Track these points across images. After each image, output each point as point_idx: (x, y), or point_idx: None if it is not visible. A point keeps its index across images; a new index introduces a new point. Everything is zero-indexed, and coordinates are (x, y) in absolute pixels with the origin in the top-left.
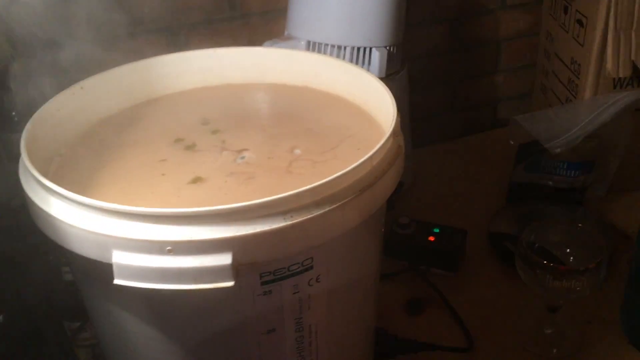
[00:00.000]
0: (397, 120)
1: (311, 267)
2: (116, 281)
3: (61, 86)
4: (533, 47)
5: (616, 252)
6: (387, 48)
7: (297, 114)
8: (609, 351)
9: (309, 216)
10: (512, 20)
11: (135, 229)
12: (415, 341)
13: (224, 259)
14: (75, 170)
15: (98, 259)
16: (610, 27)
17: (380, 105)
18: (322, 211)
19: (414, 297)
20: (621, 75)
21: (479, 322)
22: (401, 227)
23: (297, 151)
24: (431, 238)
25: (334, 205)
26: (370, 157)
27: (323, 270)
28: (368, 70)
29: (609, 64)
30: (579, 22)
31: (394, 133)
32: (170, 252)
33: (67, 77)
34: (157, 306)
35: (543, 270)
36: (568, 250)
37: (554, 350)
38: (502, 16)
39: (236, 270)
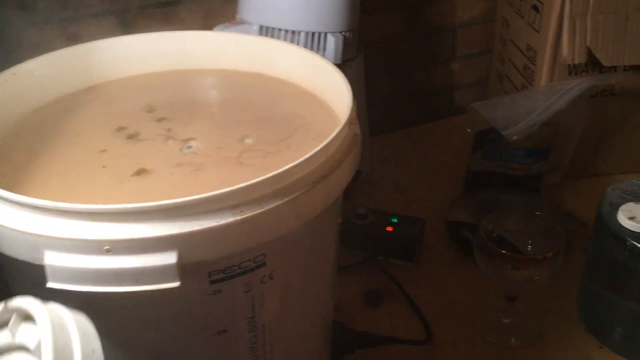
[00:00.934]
0: (353, 108)
1: (264, 264)
2: (50, 284)
3: None
4: (489, 33)
5: (573, 239)
6: (343, 34)
7: (249, 102)
8: (566, 339)
9: (260, 210)
10: (468, 6)
11: (69, 227)
12: (374, 334)
13: (169, 257)
14: (6, 163)
15: (29, 260)
16: (565, 13)
17: (336, 93)
18: (274, 205)
19: (372, 288)
20: (576, 61)
21: (438, 313)
22: (359, 217)
23: (249, 141)
24: (389, 228)
25: (287, 198)
26: (325, 147)
27: (276, 266)
28: (323, 56)
29: (565, 50)
30: (535, 7)
31: (349, 121)
32: (109, 252)
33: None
34: (97, 310)
35: (501, 260)
36: (526, 239)
37: (512, 340)
38: (458, 2)
39: (182, 269)
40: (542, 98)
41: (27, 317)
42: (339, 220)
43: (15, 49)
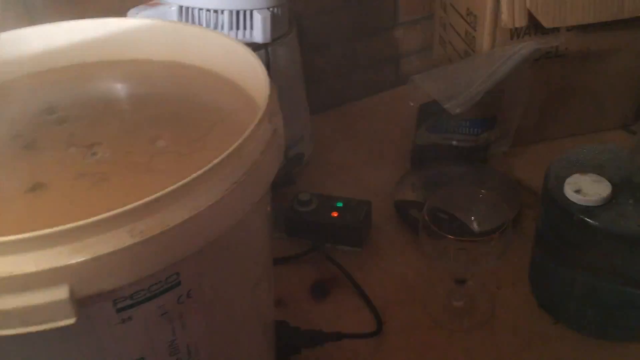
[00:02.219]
0: (272, 98)
1: (178, 283)
2: None
3: None
4: None
5: (523, 209)
6: (271, 10)
7: (163, 96)
8: (520, 317)
9: (162, 229)
10: None
11: None
12: (321, 332)
13: (59, 293)
14: None
15: None
16: None
17: (254, 80)
18: (180, 220)
19: (319, 279)
20: (517, 25)
21: (388, 300)
22: (302, 204)
23: (161, 142)
24: (334, 213)
25: (195, 212)
26: (238, 148)
27: (194, 284)
28: (251, 36)
29: (504, 14)
30: None
31: (268, 114)
32: None
33: None
34: None
35: (447, 243)
36: (473, 217)
37: (465, 322)
38: None
39: (78, 303)
40: (484, 66)
41: None
42: (269, 209)
43: None
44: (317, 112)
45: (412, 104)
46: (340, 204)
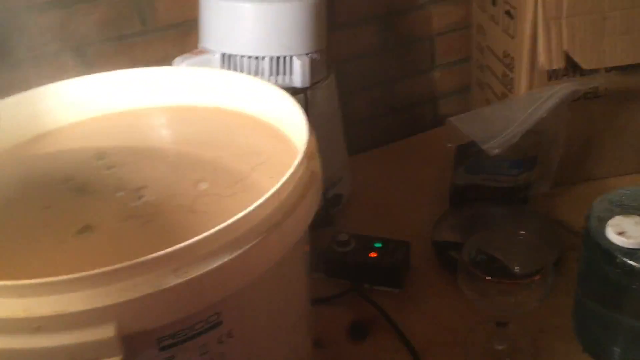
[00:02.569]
0: (311, 142)
1: (219, 323)
2: None
3: None
4: (467, 40)
5: (566, 250)
6: (309, 55)
7: (205, 140)
8: None
9: (205, 270)
10: (443, 14)
11: None
12: None
13: (106, 331)
14: None
15: None
16: (539, 18)
17: (294, 125)
18: (220, 262)
19: (357, 319)
20: (554, 67)
21: (427, 342)
22: (340, 244)
23: (203, 185)
24: (373, 254)
25: (235, 254)
26: (278, 191)
27: (234, 323)
28: (290, 81)
29: (542, 56)
30: (508, 13)
31: (306, 158)
32: (39, 330)
33: None
34: None
35: (487, 286)
36: (513, 259)
37: None
38: (433, 10)
39: (124, 341)
40: (521, 107)
41: None
42: (307, 249)
43: None
44: (356, 153)
45: (449, 144)
46: (378, 245)
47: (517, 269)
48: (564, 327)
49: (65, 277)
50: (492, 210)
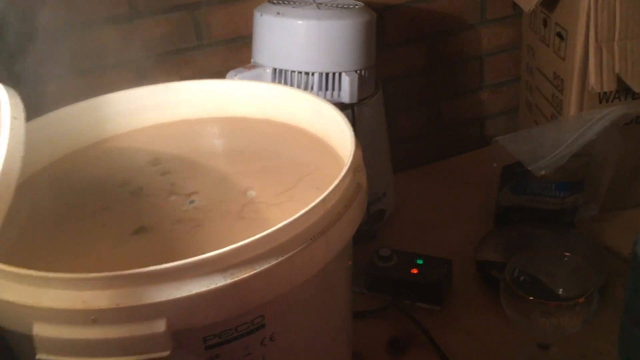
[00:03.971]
0: (357, 154)
1: (262, 326)
2: (39, 356)
3: None
4: (516, 61)
5: (612, 276)
6: (358, 72)
7: (255, 150)
8: None
9: (252, 272)
10: (493, 34)
11: (54, 297)
12: None
13: (157, 326)
14: (7, 225)
15: (20, 331)
16: (591, 40)
17: (341, 138)
18: (267, 266)
19: (397, 335)
20: (605, 89)
21: None
22: (382, 259)
23: (252, 193)
24: (414, 270)
25: (282, 258)
26: (323, 201)
27: (277, 327)
28: (339, 96)
29: (592, 79)
30: (559, 35)
31: (352, 169)
32: (96, 322)
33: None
34: None
35: (529, 306)
36: (557, 281)
37: None
38: (482, 31)
39: (173, 337)
40: (570, 129)
41: None
42: (350, 263)
43: (36, 102)
44: (401, 171)
45: (495, 164)
46: (420, 261)
47: (560, 291)
48: (609, 354)
49: (121, 272)
50: (537, 232)
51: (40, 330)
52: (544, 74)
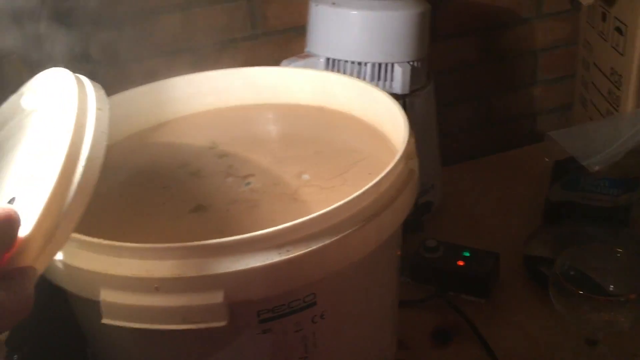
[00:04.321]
0: (410, 142)
1: (314, 303)
2: (104, 321)
3: None
4: (572, 57)
5: None
6: (411, 63)
7: (309, 136)
8: None
9: (306, 250)
10: (548, 29)
11: (120, 265)
12: None
13: (215, 297)
14: None
15: (87, 297)
16: None
17: (394, 126)
18: (321, 244)
19: (441, 325)
20: None
21: (511, 354)
22: (429, 250)
23: (305, 176)
24: (460, 262)
25: (335, 238)
26: (377, 184)
27: (328, 306)
28: (391, 87)
29: None
30: (618, 30)
31: (405, 156)
32: (158, 290)
33: None
34: (149, 347)
35: (579, 300)
36: (608, 277)
37: None
38: (537, 25)
39: (229, 308)
40: (627, 125)
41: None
42: (398, 257)
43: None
44: (450, 164)
45: (547, 159)
46: (467, 254)
47: (611, 287)
48: None
49: (183, 244)
50: (588, 230)
51: (107, 296)
52: (600, 69)
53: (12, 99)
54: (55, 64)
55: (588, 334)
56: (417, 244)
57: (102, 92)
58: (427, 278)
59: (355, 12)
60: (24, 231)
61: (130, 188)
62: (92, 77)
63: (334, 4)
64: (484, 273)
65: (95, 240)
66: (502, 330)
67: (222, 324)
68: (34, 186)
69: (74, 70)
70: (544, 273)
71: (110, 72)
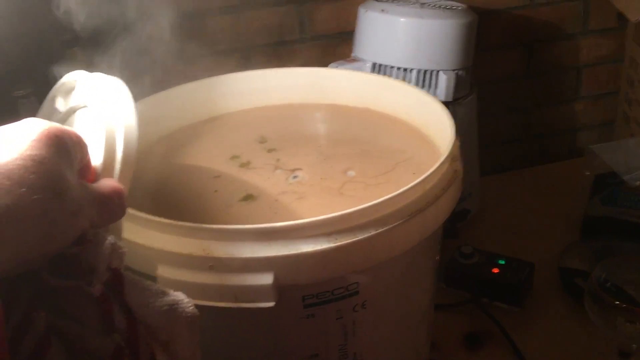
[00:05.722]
0: (455, 144)
1: (356, 293)
2: None
3: None
4: (616, 74)
5: None
6: (455, 71)
7: (355, 136)
8: None
9: (354, 239)
10: (594, 45)
11: (178, 243)
12: None
13: (265, 278)
14: (133, 185)
15: (145, 272)
16: None
17: (439, 129)
18: (367, 235)
19: (474, 330)
20: None
21: None
22: (464, 256)
23: (351, 173)
24: (495, 270)
25: (381, 229)
26: (423, 181)
27: (369, 296)
28: (435, 94)
29: None
30: None
31: (450, 157)
32: (212, 269)
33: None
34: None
35: (615, 311)
36: None
37: None
38: (582, 41)
39: (277, 290)
40: None
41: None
42: (438, 257)
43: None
44: (489, 174)
45: (587, 173)
46: (502, 262)
47: None
48: None
49: (238, 226)
50: (625, 246)
51: (164, 271)
52: None
53: (47, 101)
54: (111, 60)
55: (621, 346)
56: (453, 251)
57: (124, 86)
58: (462, 284)
59: (404, 20)
60: None
61: (184, 176)
62: (145, 74)
63: (382, 10)
64: (518, 281)
65: (156, 218)
66: (534, 339)
67: (271, 304)
68: None
69: (131, 67)
70: (579, 285)
71: (162, 69)
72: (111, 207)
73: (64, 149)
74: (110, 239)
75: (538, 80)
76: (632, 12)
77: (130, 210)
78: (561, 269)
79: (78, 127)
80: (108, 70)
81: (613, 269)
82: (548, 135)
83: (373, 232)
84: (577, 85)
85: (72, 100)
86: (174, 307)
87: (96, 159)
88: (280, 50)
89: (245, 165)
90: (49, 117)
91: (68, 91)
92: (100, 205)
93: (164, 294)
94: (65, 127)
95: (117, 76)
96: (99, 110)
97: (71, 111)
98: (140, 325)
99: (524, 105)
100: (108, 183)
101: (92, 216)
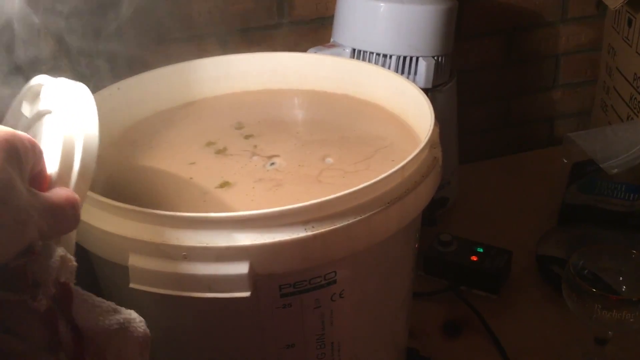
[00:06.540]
0: (435, 131)
1: (334, 282)
2: (132, 285)
3: (99, 87)
4: (594, 62)
5: None
6: (435, 58)
7: (334, 122)
8: None
9: (331, 227)
10: (572, 33)
11: (151, 232)
12: None
13: (240, 267)
14: (103, 171)
15: (115, 261)
16: None
17: (419, 115)
18: (345, 223)
19: (452, 318)
20: None
21: (519, 350)
22: (442, 244)
23: (329, 160)
24: (474, 257)
25: (359, 217)
26: (402, 168)
27: (347, 285)
28: (414, 80)
29: None
30: None
31: (430, 144)
32: (186, 258)
33: (110, 78)
34: (173, 314)
35: (591, 299)
36: (621, 278)
37: None
38: (561, 29)
39: (253, 280)
40: None
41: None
42: (417, 245)
43: (127, 66)
44: (467, 162)
45: (565, 160)
46: (480, 250)
47: (624, 288)
48: None
49: (212, 215)
50: (602, 233)
51: (136, 261)
52: (623, 74)
53: (14, 106)
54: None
55: (598, 333)
56: (432, 239)
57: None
58: (440, 271)
59: (383, 5)
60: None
61: (159, 162)
62: (119, 59)
63: None
64: (496, 269)
65: (127, 206)
66: (512, 326)
67: (246, 294)
68: None
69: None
70: (556, 273)
71: (137, 53)
72: (63, 217)
73: (15, 154)
74: (61, 251)
75: (517, 68)
76: (611, 0)
77: (101, 198)
78: (539, 256)
79: (45, 133)
80: (83, 51)
81: (590, 256)
82: (527, 123)
83: (351, 220)
84: (556, 73)
85: (39, 106)
86: (124, 326)
87: (52, 167)
88: (259, 34)
89: (221, 151)
90: (15, 122)
91: (34, 96)
92: (51, 215)
93: (115, 311)
94: (19, 132)
95: (90, 58)
96: (61, 117)
97: (37, 117)
98: (88, 343)
99: (503, 93)
100: (61, 192)
101: (41, 226)
